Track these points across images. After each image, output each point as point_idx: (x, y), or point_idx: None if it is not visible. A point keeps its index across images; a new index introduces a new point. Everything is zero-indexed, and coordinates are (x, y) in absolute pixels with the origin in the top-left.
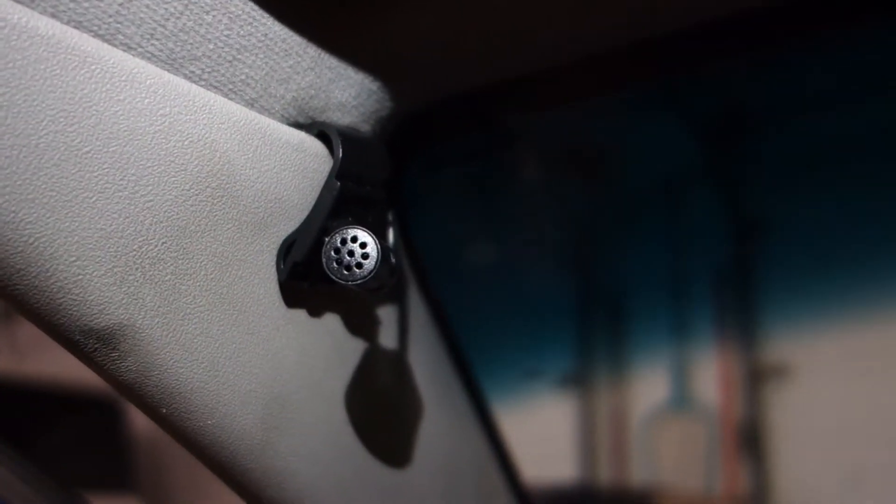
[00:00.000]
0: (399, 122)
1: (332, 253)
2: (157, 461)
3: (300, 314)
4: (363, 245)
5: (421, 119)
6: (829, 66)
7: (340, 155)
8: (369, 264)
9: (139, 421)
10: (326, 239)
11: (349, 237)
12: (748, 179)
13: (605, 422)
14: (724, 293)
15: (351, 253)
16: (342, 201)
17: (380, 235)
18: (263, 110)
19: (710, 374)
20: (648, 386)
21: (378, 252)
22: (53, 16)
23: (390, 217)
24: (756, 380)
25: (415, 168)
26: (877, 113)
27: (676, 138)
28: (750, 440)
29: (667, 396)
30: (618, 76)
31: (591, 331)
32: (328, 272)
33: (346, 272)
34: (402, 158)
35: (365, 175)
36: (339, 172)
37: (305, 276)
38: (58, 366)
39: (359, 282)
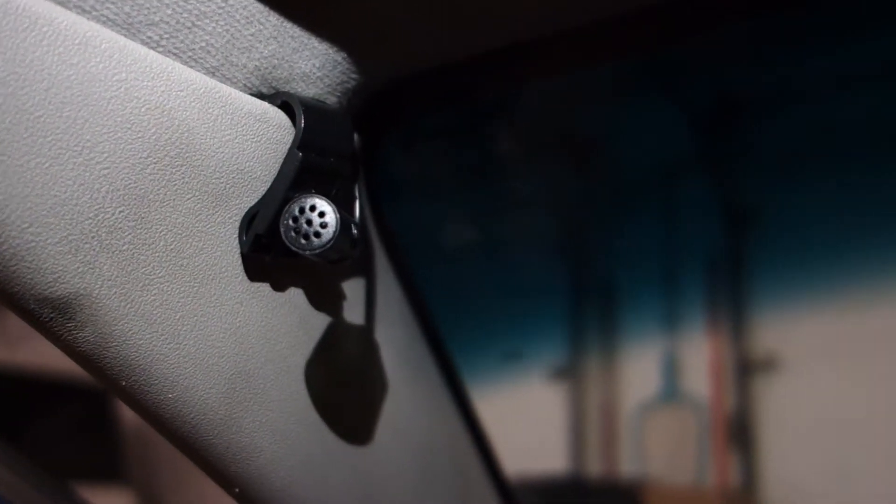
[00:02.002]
0: (370, 96)
1: (290, 222)
2: (146, 450)
3: (264, 287)
4: (322, 214)
5: (394, 93)
6: (822, 54)
7: (302, 125)
8: (327, 233)
9: (129, 411)
10: (286, 208)
11: (307, 206)
12: (741, 167)
13: (593, 411)
14: (715, 282)
15: (309, 222)
16: (305, 172)
17: (345, 208)
18: (225, 79)
19: (701, 364)
20: (638, 376)
21: (337, 222)
22: None
23: (357, 191)
24: (746, 371)
25: (391, 143)
26: (869, 101)
27: (669, 121)
28: (740, 431)
29: (657, 387)
30: (605, 50)
31: (579, 317)
32: (285, 241)
33: (303, 241)
34: (375, 133)
35: (328, 147)
36: (302, 143)
37: (268, 248)
38: (48, 356)
39: (317, 251)
